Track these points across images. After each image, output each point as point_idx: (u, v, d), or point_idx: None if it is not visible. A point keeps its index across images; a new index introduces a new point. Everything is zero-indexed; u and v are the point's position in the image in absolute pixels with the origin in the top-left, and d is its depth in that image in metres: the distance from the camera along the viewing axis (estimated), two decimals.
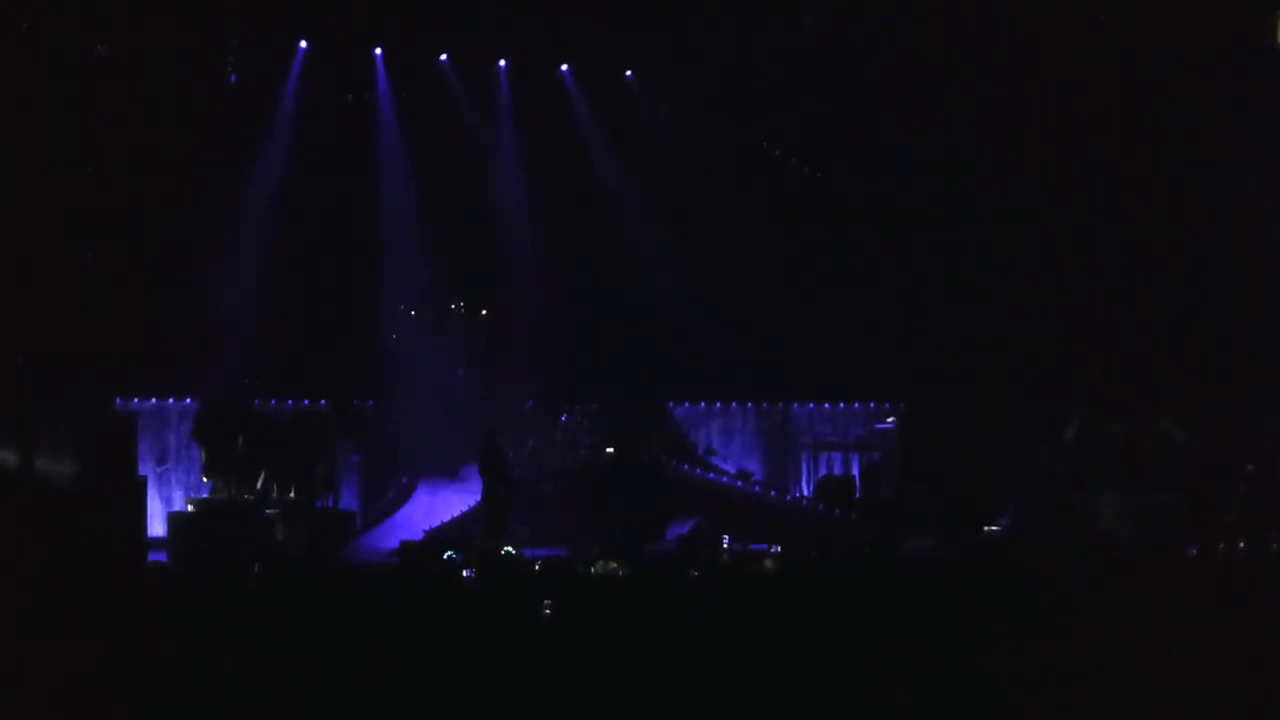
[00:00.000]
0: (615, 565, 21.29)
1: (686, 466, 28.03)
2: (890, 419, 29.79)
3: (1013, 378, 28.02)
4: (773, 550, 23.23)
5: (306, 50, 28.48)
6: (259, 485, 24.18)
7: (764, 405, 30.62)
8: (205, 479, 24.67)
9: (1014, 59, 27.59)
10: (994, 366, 28.25)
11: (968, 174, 28.93)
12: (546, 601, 17.01)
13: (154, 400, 26.82)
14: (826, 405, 30.72)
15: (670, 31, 28.34)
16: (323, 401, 27.18)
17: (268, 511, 23.88)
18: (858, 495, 28.06)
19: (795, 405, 30.67)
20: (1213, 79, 26.88)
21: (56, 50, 24.92)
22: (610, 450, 26.88)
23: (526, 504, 25.24)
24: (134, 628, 16.13)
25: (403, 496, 26.78)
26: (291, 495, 24.26)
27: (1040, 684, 13.63)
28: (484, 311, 28.98)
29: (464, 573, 20.73)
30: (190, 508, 24.09)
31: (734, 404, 30.52)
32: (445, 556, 21.46)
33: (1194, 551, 23.07)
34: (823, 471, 29.34)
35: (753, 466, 29.81)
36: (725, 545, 23.66)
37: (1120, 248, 28.07)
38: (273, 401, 26.96)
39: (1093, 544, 24.13)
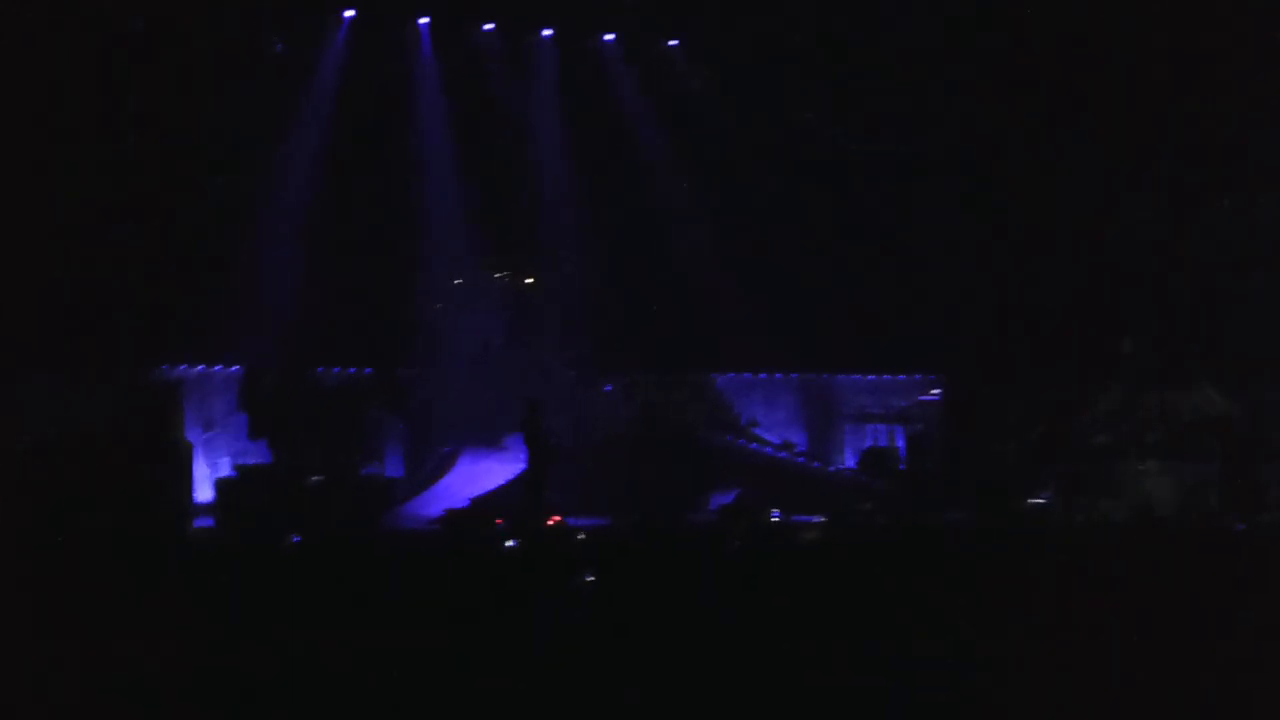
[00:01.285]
0: None
1: (730, 437, 28.02)
2: (934, 391, 29.73)
3: (1055, 348, 27.90)
4: (815, 521, 23.28)
5: (352, 19, 28.49)
6: (303, 451, 24.33)
7: (807, 376, 30.54)
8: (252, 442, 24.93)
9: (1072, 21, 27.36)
10: (1036, 337, 28.14)
11: (1012, 142, 28.73)
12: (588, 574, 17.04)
13: (201, 367, 26.89)
14: (870, 377, 30.61)
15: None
16: (367, 370, 27.20)
17: (312, 478, 24.02)
18: (901, 467, 28.00)
19: (839, 376, 30.59)
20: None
21: (102, 17, 24.95)
22: (650, 420, 26.89)
23: (568, 473, 25.33)
24: (176, 591, 16.22)
25: (445, 465, 26.86)
26: (335, 462, 24.38)
27: (1073, 660, 13.61)
28: (527, 280, 29.03)
29: (508, 542, 20.80)
30: (236, 473, 24.24)
31: (778, 375, 30.44)
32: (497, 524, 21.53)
33: (1241, 527, 22.88)
34: (867, 443, 29.27)
35: (796, 438, 29.77)
36: (775, 517, 23.67)
37: (1163, 216, 27.93)
38: (318, 370, 26.98)
39: (1133, 514, 24.07)
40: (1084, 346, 27.67)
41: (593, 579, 17.02)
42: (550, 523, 22.60)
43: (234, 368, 26.66)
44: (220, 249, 26.79)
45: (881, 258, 29.64)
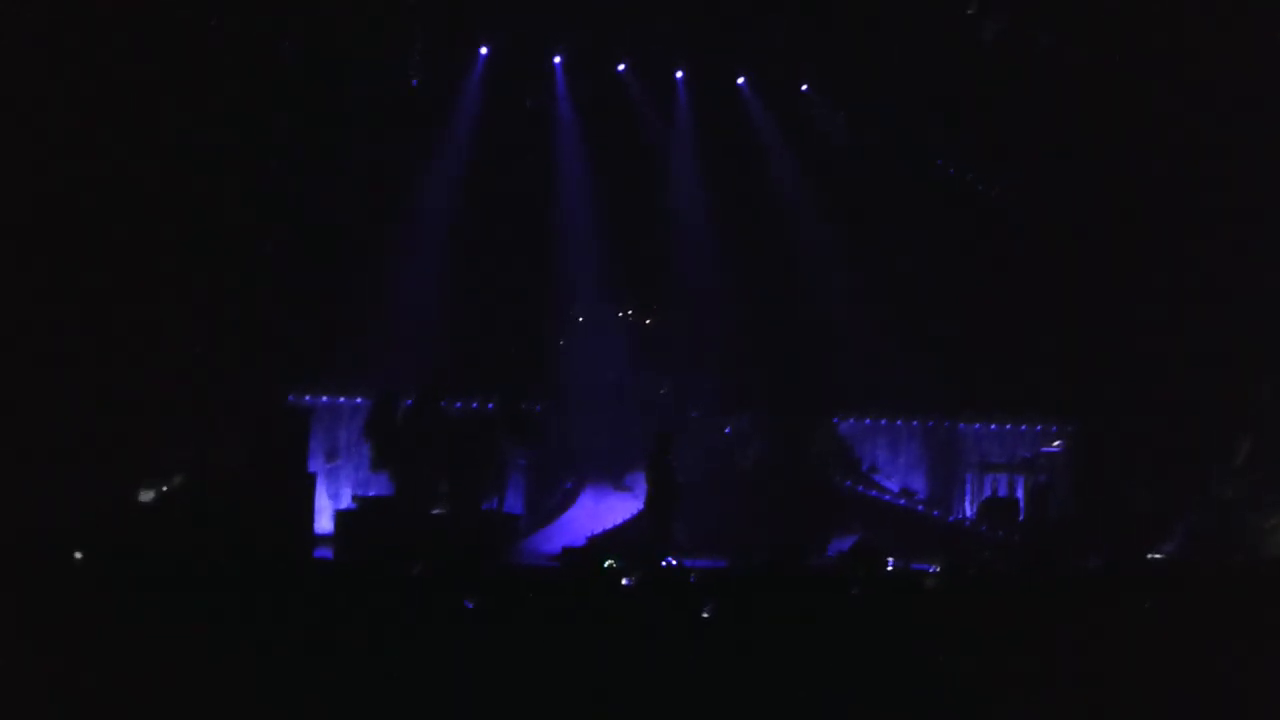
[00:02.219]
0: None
1: (850, 482, 27.95)
2: (1057, 443, 29.50)
3: (1184, 398, 27.60)
4: (932, 570, 23.14)
5: (487, 56, 28.80)
6: (425, 484, 24.51)
7: (930, 423, 30.44)
8: (374, 473, 25.19)
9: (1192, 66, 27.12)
10: (1165, 387, 27.85)
11: (1143, 186, 28.46)
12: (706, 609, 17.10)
13: (325, 398, 27.20)
14: (994, 426, 30.46)
15: (848, 41, 28.33)
16: (490, 405, 27.39)
17: (434, 511, 24.21)
18: (1020, 517, 27.80)
19: (962, 425, 30.47)
20: None
21: (243, 48, 25.32)
22: (773, 461, 26.87)
23: (688, 512, 25.38)
24: (296, 621, 16.42)
25: (568, 500, 27.00)
26: (457, 496, 24.54)
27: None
28: (650, 319, 29.15)
29: (624, 580, 20.83)
30: (356, 504, 24.48)
31: (899, 421, 30.38)
32: (605, 565, 21.56)
33: None
34: (987, 492, 29.09)
35: (917, 485, 29.67)
36: (890, 566, 23.57)
37: None
38: (443, 402, 27.20)
39: (1265, 568, 23.75)
40: (1215, 396, 27.37)
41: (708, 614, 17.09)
42: (667, 564, 22.61)
43: (359, 399, 26.91)
44: (354, 280, 27.12)
45: (1012, 306, 29.47)
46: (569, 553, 23.02)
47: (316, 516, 23.33)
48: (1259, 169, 27.14)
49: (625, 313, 29.26)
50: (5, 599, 15.47)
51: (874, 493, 28.08)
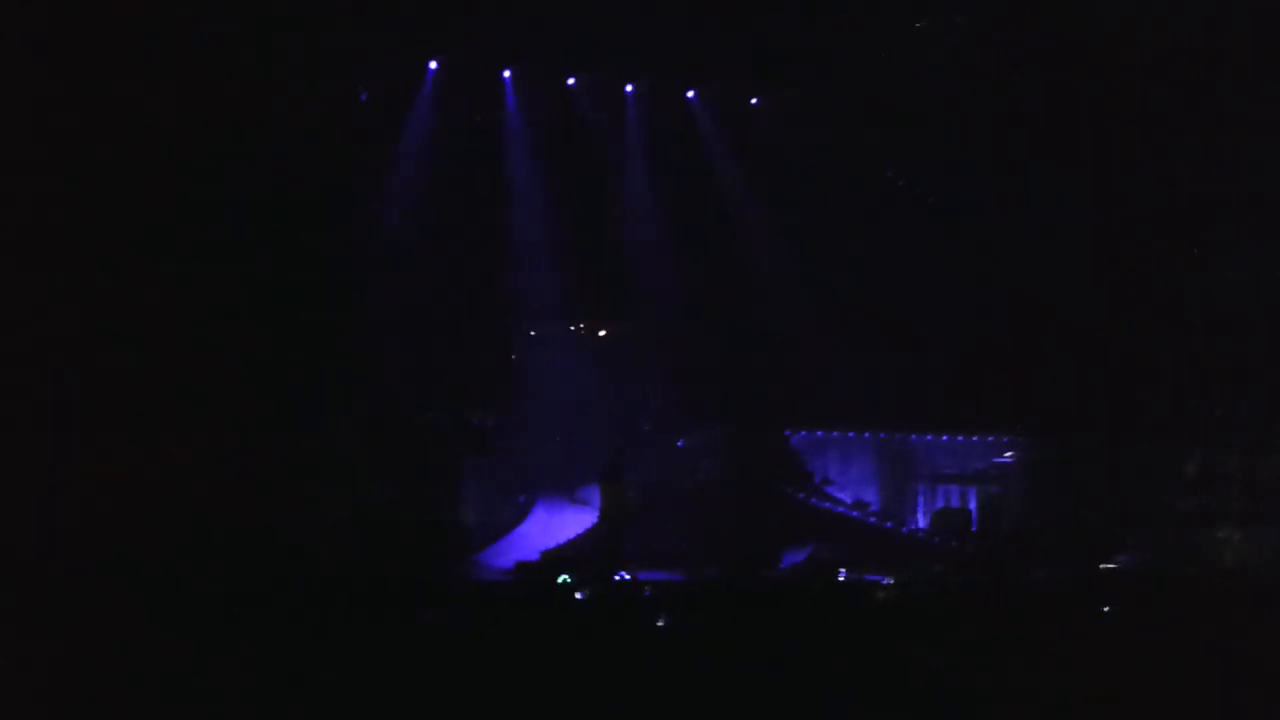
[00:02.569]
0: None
1: (802, 495, 27.98)
2: (1009, 454, 29.61)
3: (1135, 412, 27.73)
4: (885, 582, 23.21)
5: (436, 70, 28.76)
6: (380, 497, 24.44)
7: (882, 436, 30.49)
8: None
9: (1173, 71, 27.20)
10: (1116, 400, 27.97)
11: (1099, 200, 28.55)
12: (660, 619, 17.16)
13: None
14: (945, 438, 30.54)
15: (797, 52, 28.39)
16: (444, 417, 27.32)
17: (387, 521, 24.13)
18: (974, 528, 27.87)
19: (914, 436, 30.54)
20: None
21: (183, 67, 25.19)
22: (725, 475, 26.89)
23: (641, 526, 25.38)
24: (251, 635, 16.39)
25: (521, 515, 26.94)
26: (412, 507, 24.46)
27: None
28: (603, 332, 29.16)
29: (577, 595, 20.82)
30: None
31: (851, 433, 30.43)
32: (560, 580, 21.53)
33: None
34: (940, 504, 29.17)
35: (869, 497, 29.70)
36: (841, 577, 23.64)
37: (1251, 281, 27.72)
38: (399, 415, 27.10)
39: (1216, 580, 23.87)
40: (1167, 409, 27.51)
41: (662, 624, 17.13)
42: (621, 577, 22.61)
43: None
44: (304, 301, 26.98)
45: (961, 317, 29.55)
46: (523, 567, 22.97)
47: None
48: (1221, 185, 27.31)
49: (578, 327, 29.25)
50: None
51: (827, 505, 28.13)
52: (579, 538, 25.73)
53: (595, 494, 25.25)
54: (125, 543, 20.72)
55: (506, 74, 29.33)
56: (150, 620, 16.65)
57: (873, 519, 28.23)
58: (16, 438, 20.99)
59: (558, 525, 26.36)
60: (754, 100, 30.51)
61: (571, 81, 29.62)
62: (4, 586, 17.02)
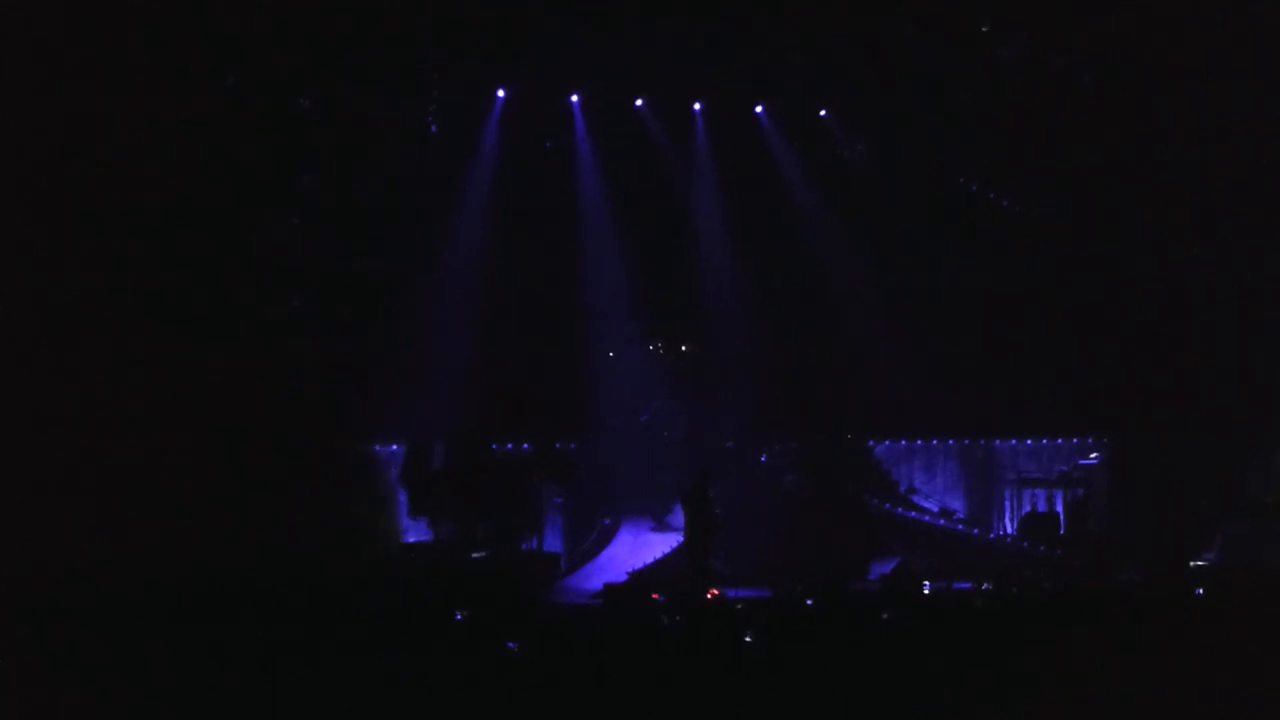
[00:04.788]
0: None
1: (889, 505, 27.90)
2: (1094, 454, 29.45)
3: (1220, 407, 27.54)
4: (983, 588, 23.16)
5: (505, 98, 28.91)
6: (464, 528, 24.56)
7: (966, 442, 30.37)
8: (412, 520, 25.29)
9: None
10: (1201, 397, 27.78)
11: (1168, 199, 28.40)
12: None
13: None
14: (1029, 441, 30.39)
15: (865, 66, 28.41)
16: (525, 444, 27.40)
17: (473, 555, 24.23)
18: (1062, 531, 27.71)
19: (998, 442, 30.41)
20: None
21: (262, 100, 25.43)
22: (811, 489, 26.82)
23: (728, 543, 25.39)
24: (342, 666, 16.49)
25: (606, 537, 27.00)
26: (496, 538, 24.56)
27: None
28: (683, 349, 29.19)
29: (665, 618, 20.78)
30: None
31: (935, 441, 30.33)
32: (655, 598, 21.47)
33: None
34: (1026, 508, 29.02)
35: (955, 504, 29.63)
36: (926, 589, 23.56)
37: None
38: (478, 446, 27.18)
39: None
40: (1252, 402, 27.31)
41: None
42: (710, 596, 22.60)
43: (394, 446, 26.95)
44: (383, 330, 27.15)
45: (1041, 321, 29.42)
46: (610, 589, 22.99)
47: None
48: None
49: (656, 347, 29.29)
50: None
51: (913, 514, 28.05)
52: (665, 557, 25.78)
53: (680, 515, 25.25)
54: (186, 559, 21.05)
55: (574, 99, 29.44)
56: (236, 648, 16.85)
57: (960, 526, 28.12)
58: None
59: (643, 546, 26.42)
60: (822, 113, 30.45)
61: (639, 103, 29.71)
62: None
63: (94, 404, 21.72)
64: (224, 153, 24.25)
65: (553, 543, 26.40)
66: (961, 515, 29.10)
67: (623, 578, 24.30)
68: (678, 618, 20.28)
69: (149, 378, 22.28)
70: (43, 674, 14.94)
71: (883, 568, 25.33)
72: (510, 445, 27.48)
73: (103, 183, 22.58)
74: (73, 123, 22.25)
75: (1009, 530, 28.93)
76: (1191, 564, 25.23)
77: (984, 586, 23.35)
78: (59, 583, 19.37)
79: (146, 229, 22.87)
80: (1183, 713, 14.00)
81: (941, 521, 28.05)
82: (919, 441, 30.24)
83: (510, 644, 17.88)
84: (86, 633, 16.70)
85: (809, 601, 21.98)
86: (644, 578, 24.44)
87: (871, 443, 29.22)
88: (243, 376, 23.68)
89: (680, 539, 25.45)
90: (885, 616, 20.43)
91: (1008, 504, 29.55)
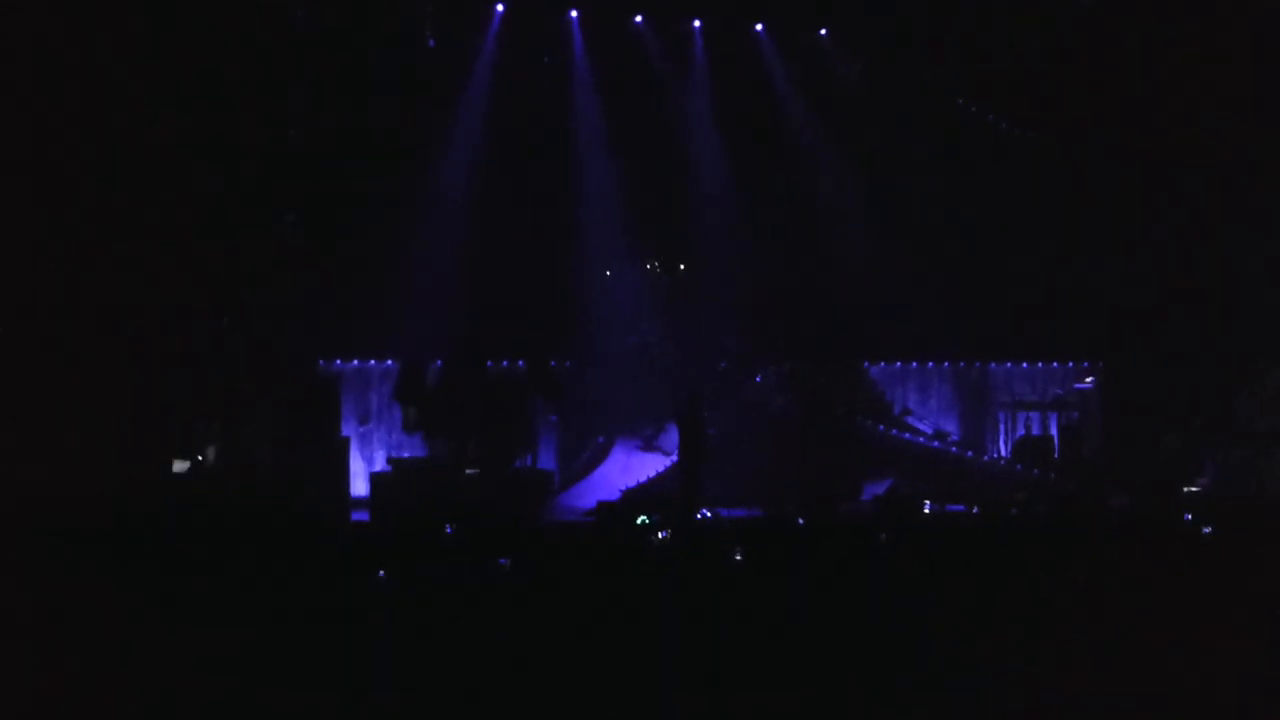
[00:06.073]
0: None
1: (882, 427, 27.91)
2: (1089, 379, 29.48)
3: (1213, 333, 27.53)
4: (973, 511, 23.22)
5: (503, 13, 28.71)
6: (458, 444, 24.58)
7: (961, 365, 30.36)
8: (407, 435, 25.34)
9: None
10: (1193, 322, 27.76)
11: (1174, 126, 28.26)
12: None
13: (356, 362, 27.25)
14: (1024, 365, 30.38)
15: None
16: (520, 362, 27.37)
17: (467, 471, 24.24)
18: (1056, 455, 27.75)
19: (993, 364, 30.40)
20: None
21: (256, 15, 25.27)
22: (804, 409, 26.80)
23: (721, 463, 25.39)
24: (335, 584, 16.53)
25: (600, 456, 27.00)
26: (490, 455, 24.57)
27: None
28: (680, 268, 29.11)
29: (659, 534, 20.87)
30: (390, 467, 24.53)
31: (930, 363, 30.30)
32: (639, 521, 21.55)
33: None
34: (1020, 431, 29.04)
35: (950, 426, 29.63)
36: (926, 508, 23.62)
37: None
38: (472, 363, 27.12)
39: None
40: (1247, 329, 27.30)
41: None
42: (699, 516, 22.67)
43: (388, 362, 26.96)
44: (376, 245, 27.08)
45: (1037, 244, 29.37)
46: (603, 507, 23.02)
47: (351, 480, 23.43)
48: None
49: (651, 266, 29.20)
50: (26, 568, 15.63)
51: (907, 436, 28.06)
52: (659, 476, 25.81)
53: (674, 433, 25.25)
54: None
55: (573, 14, 29.24)
56: (220, 563, 16.89)
57: (954, 448, 28.14)
58: None
59: (637, 465, 26.43)
60: (822, 31, 30.26)
61: (638, 20, 29.51)
62: None
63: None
64: (214, 67, 24.15)
65: (546, 461, 26.38)
66: (956, 437, 29.10)
67: (615, 496, 24.35)
68: (668, 535, 20.37)
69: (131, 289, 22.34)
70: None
71: (875, 489, 25.38)
72: (505, 363, 27.41)
73: (92, 101, 22.53)
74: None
75: (1003, 453, 28.95)
76: (1184, 489, 25.28)
77: (974, 510, 23.42)
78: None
79: (140, 139, 22.81)
80: (1176, 639, 14.00)
81: (936, 444, 28.06)
82: (914, 364, 30.21)
83: (502, 560, 17.95)
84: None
85: (800, 521, 22.09)
86: (637, 496, 24.49)
87: (866, 364, 29.15)
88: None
89: (673, 460, 25.44)
90: (883, 538, 20.54)
91: (1002, 427, 29.58)
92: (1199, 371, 27.27)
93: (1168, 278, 28.17)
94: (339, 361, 26.92)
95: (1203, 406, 27.03)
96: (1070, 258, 29.03)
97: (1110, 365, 29.52)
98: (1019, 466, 27.24)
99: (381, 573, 17.03)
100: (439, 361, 25.94)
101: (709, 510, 23.07)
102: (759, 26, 30.08)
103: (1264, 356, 26.80)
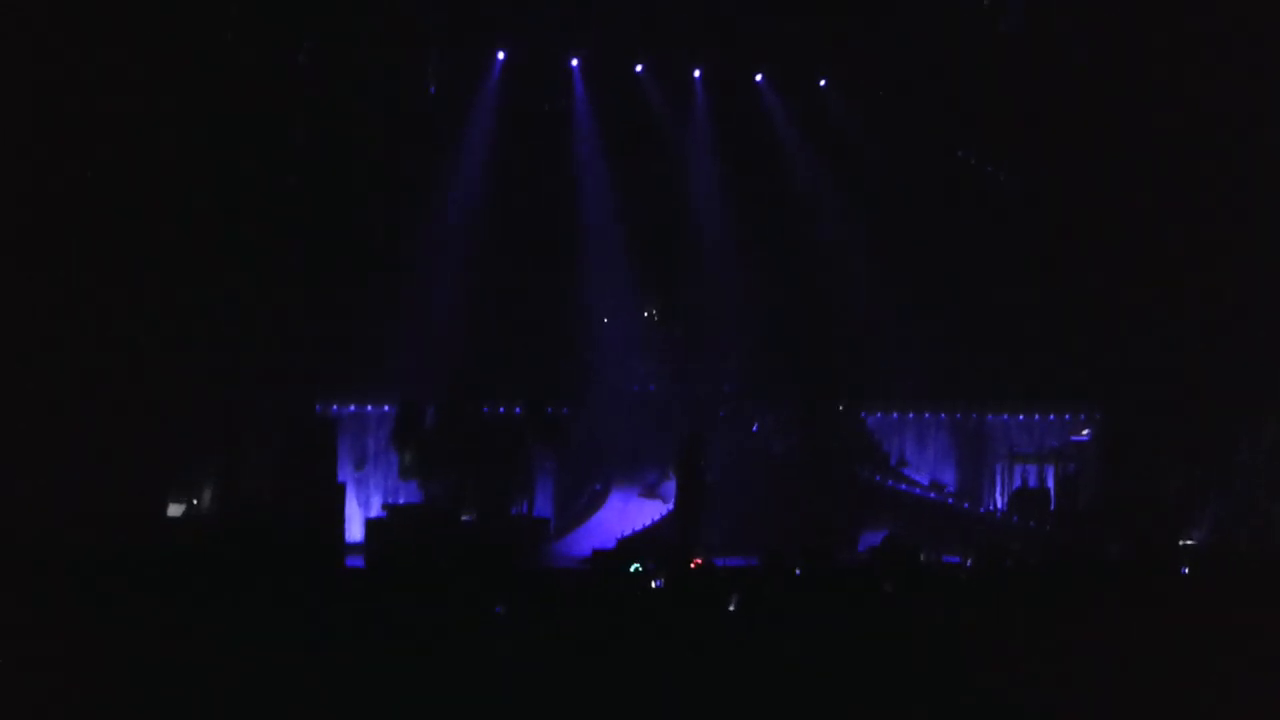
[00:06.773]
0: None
1: (879, 476, 27.88)
2: (1085, 431, 29.45)
3: (1211, 384, 27.51)
4: (967, 564, 23.19)
5: (504, 60, 28.81)
6: (454, 490, 24.56)
7: (958, 415, 30.33)
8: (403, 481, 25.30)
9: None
10: (1191, 373, 27.74)
11: (1166, 177, 28.31)
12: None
13: (353, 406, 27.21)
14: (1021, 416, 30.34)
15: (864, 37, 28.34)
16: (518, 408, 27.37)
17: (463, 516, 24.22)
18: (1052, 507, 27.71)
19: (990, 416, 30.35)
20: None
21: (260, 56, 25.36)
22: (801, 458, 26.81)
23: (718, 511, 25.37)
24: (330, 629, 16.49)
25: (596, 503, 26.98)
26: (486, 501, 24.56)
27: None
28: (678, 316, 29.16)
29: (653, 583, 20.80)
30: (386, 512, 24.50)
31: (926, 414, 30.27)
32: (632, 569, 21.48)
33: None
34: (1017, 483, 29.01)
35: (946, 477, 29.59)
36: (921, 559, 23.59)
37: None
38: (469, 408, 27.15)
39: None
40: (1243, 382, 27.28)
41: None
42: (693, 565, 22.60)
43: (386, 407, 26.91)
44: (377, 288, 27.10)
45: (1035, 295, 29.38)
46: (599, 555, 22.97)
47: (347, 525, 23.39)
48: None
49: (650, 313, 29.24)
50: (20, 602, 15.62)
51: (903, 486, 28.04)
52: (655, 524, 25.77)
53: (671, 481, 25.24)
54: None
55: (574, 62, 29.34)
56: (211, 604, 16.86)
57: (950, 499, 28.12)
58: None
59: (633, 512, 26.41)
60: (822, 82, 30.36)
61: (639, 68, 29.60)
62: None
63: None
64: (222, 106, 24.24)
65: (543, 507, 26.34)
66: (952, 489, 29.07)
67: (611, 544, 24.29)
68: (663, 583, 20.33)
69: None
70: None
71: (871, 539, 25.33)
72: (502, 409, 27.39)
73: (99, 129, 22.62)
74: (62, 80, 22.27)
75: (999, 504, 28.92)
76: (1180, 543, 25.25)
77: (967, 563, 23.38)
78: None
79: (144, 176, 22.91)
80: (1169, 691, 13.99)
81: (932, 494, 28.04)
82: (911, 414, 30.18)
83: (497, 608, 17.90)
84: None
85: (797, 571, 22.03)
86: (633, 544, 24.43)
87: (864, 414, 29.13)
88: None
89: (670, 509, 25.43)
90: (886, 589, 20.48)
91: (999, 478, 29.53)
92: (1196, 423, 27.24)
93: (1164, 330, 28.15)
94: (335, 406, 26.87)
95: (1201, 456, 27.01)
96: (1068, 309, 29.01)
97: (1108, 414, 29.47)
98: (1015, 518, 27.21)
99: (374, 618, 16.99)
100: (433, 407, 25.92)
101: (702, 559, 23.01)
102: (759, 77, 30.17)
103: (1261, 407, 26.80)
